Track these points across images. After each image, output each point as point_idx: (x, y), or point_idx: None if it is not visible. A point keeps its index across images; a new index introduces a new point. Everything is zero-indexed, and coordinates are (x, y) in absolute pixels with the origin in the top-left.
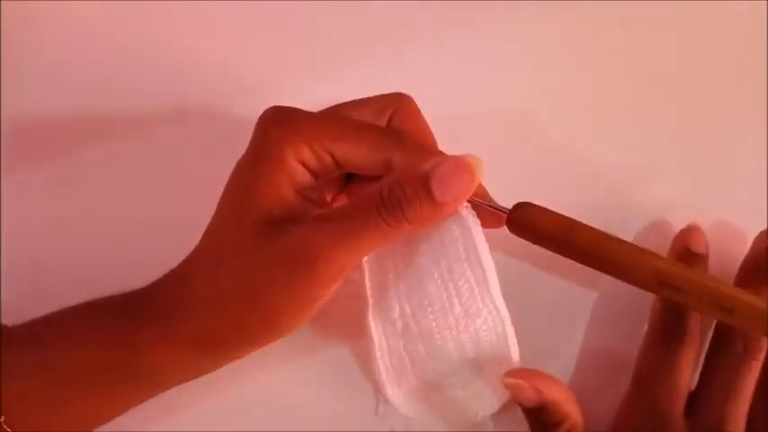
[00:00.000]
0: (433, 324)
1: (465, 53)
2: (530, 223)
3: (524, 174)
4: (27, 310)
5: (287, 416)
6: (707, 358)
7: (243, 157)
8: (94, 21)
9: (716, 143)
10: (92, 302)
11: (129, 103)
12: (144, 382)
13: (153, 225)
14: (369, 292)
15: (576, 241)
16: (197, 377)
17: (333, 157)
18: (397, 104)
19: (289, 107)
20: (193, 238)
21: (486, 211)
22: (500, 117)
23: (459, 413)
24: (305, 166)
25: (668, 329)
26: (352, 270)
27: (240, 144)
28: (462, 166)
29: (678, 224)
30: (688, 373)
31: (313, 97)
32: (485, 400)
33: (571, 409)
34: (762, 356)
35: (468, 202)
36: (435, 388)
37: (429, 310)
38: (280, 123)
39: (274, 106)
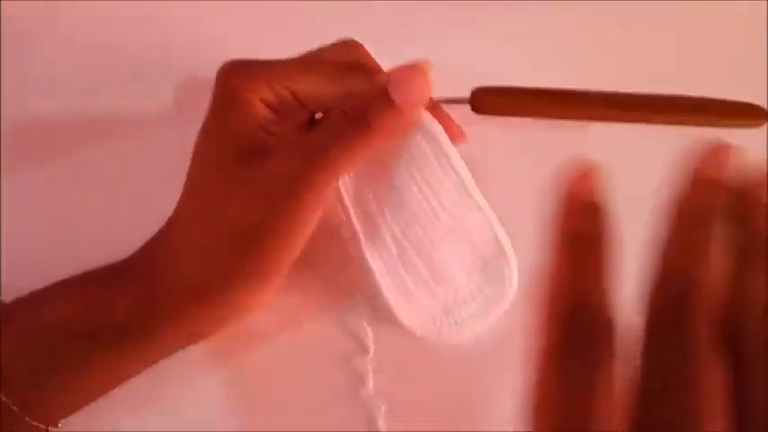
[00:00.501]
0: (426, 239)
1: (465, 53)
2: (495, 94)
3: (524, 172)
4: None
5: (269, 403)
6: None
7: (208, 111)
8: (94, 21)
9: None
10: (82, 273)
11: (129, 103)
12: (139, 344)
13: (153, 225)
14: (357, 227)
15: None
16: (198, 340)
17: (294, 94)
18: (350, 51)
19: (246, 59)
20: None
21: (447, 123)
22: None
23: (475, 325)
24: (267, 105)
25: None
26: (329, 196)
27: None
28: (415, 68)
29: None
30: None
31: None
32: (494, 306)
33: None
34: None
35: (427, 109)
36: (444, 307)
37: (417, 226)
38: (238, 71)
39: (232, 60)
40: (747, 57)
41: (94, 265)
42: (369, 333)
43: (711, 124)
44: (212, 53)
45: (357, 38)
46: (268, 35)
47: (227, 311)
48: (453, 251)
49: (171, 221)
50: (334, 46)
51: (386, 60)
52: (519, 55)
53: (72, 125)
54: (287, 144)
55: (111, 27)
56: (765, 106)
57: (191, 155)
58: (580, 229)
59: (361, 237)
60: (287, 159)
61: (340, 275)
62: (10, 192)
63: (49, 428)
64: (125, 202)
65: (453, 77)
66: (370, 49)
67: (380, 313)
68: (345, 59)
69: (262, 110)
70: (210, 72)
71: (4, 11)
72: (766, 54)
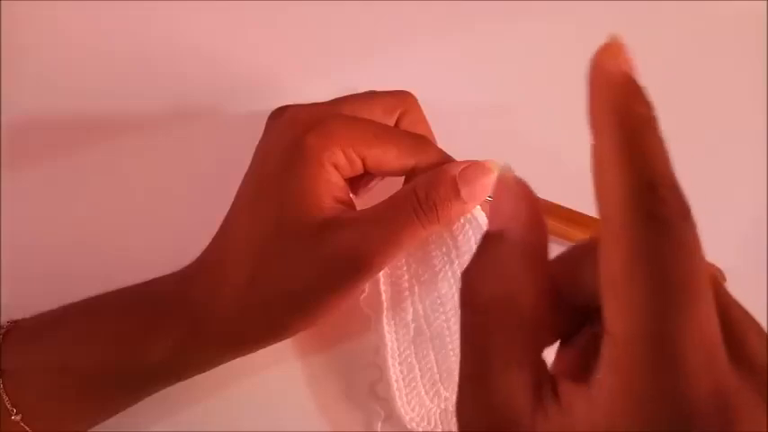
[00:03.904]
0: (445, 326)
1: (466, 53)
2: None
3: (522, 173)
4: (27, 311)
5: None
6: None
7: (273, 156)
8: (94, 21)
9: (715, 143)
10: (116, 294)
11: (130, 103)
12: (166, 375)
13: (153, 225)
14: (383, 296)
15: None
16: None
17: (364, 161)
18: (406, 105)
19: (317, 110)
20: (194, 238)
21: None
22: (500, 116)
23: None
24: (338, 170)
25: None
26: None
27: (240, 143)
28: (485, 169)
29: None
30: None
31: (314, 96)
32: None
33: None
34: None
35: None
36: (444, 411)
37: (441, 310)
38: (314, 128)
39: (304, 109)
40: (747, 57)
41: (94, 266)
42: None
43: None
44: (212, 53)
45: (357, 38)
46: (269, 35)
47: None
48: None
49: (214, 260)
50: (388, 94)
51: (385, 61)
52: (518, 54)
53: (72, 125)
54: (354, 220)
55: (111, 27)
56: (765, 106)
57: (191, 155)
58: (631, 108)
59: (385, 306)
60: (359, 240)
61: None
62: (10, 192)
63: None
64: (125, 202)
65: (453, 76)
66: (370, 49)
67: (380, 390)
68: (400, 117)
69: (334, 176)
70: (211, 71)
71: (4, 11)
72: (766, 54)
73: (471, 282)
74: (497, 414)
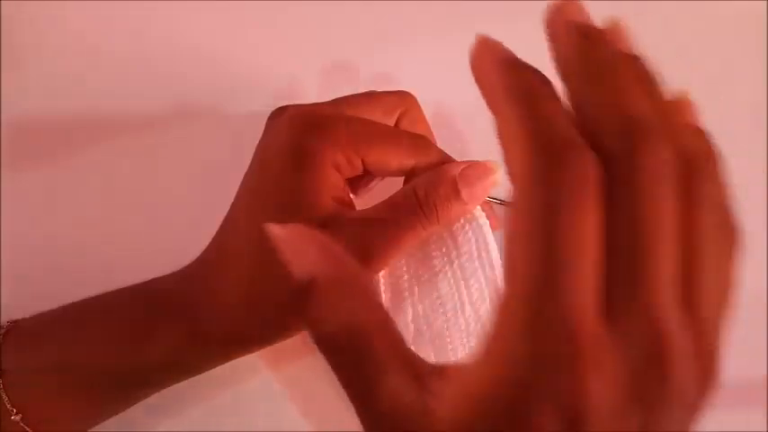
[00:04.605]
0: (444, 326)
1: (466, 53)
2: None
3: None
4: (27, 311)
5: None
6: None
7: (272, 156)
8: (94, 21)
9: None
10: (116, 294)
11: (130, 103)
12: (166, 375)
13: (153, 225)
14: (383, 297)
15: None
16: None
17: (363, 161)
18: (406, 105)
19: (317, 109)
20: (194, 238)
21: (490, 213)
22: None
23: None
24: (337, 170)
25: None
26: None
27: (240, 143)
28: (486, 170)
29: None
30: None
31: (314, 96)
32: None
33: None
34: None
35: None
36: None
37: (441, 311)
38: (315, 130)
39: (306, 109)
40: (747, 57)
41: (94, 266)
42: None
43: None
44: (213, 53)
45: (358, 37)
46: (269, 35)
47: (264, 348)
48: (468, 348)
49: (214, 259)
50: (388, 94)
51: (385, 61)
52: (518, 55)
53: (72, 125)
54: (353, 221)
55: (111, 27)
56: (765, 106)
57: (191, 155)
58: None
59: (384, 305)
60: (359, 240)
61: None
62: (10, 192)
63: None
64: (125, 202)
65: (454, 76)
66: (370, 48)
67: None
68: (400, 117)
69: (333, 176)
70: (211, 71)
71: (4, 11)
72: (766, 54)
73: (313, 325)
74: (389, 420)
